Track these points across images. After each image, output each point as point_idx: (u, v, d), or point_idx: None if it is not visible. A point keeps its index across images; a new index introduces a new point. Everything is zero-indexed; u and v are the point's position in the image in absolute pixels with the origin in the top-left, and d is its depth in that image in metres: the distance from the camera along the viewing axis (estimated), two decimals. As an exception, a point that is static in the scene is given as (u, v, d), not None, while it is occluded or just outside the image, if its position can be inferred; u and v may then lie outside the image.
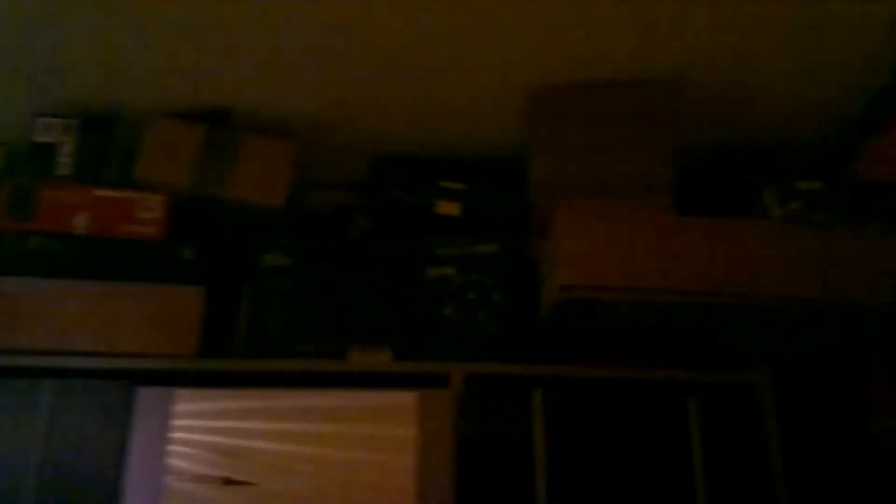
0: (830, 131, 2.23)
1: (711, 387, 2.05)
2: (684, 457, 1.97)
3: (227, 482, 1.85)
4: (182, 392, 1.91)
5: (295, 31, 1.92)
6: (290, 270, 2.09)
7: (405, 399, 1.93)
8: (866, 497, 2.09)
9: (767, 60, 2.02)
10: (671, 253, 1.97)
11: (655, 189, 2.08)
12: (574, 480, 1.93)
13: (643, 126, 2.10)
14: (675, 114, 2.10)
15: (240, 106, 2.17)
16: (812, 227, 2.00)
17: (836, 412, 2.16)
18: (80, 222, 2.04)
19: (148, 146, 2.08)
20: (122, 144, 2.14)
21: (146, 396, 1.91)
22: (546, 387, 2.00)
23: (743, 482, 1.98)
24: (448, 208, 2.19)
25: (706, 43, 1.96)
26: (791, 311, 1.99)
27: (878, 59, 2.00)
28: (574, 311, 2.00)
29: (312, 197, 2.36)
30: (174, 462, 1.87)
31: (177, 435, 1.88)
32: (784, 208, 2.00)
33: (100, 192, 2.06)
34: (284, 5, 1.84)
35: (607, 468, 1.95)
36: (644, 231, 1.99)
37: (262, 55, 1.99)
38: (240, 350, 2.06)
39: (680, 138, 2.09)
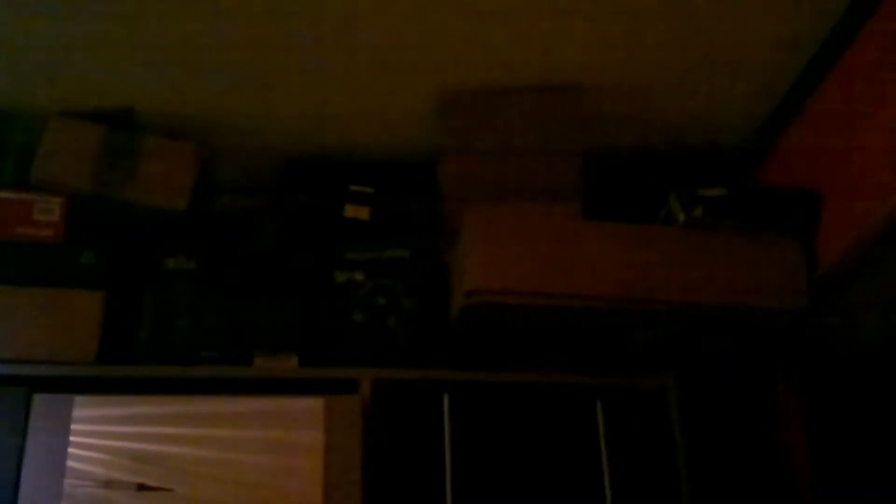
0: (739, 137, 2.28)
1: (619, 390, 2.07)
2: (593, 460, 1.99)
3: (141, 488, 1.80)
4: (81, 399, 1.85)
5: (200, 29, 1.88)
6: (194, 274, 2.05)
7: (312, 405, 1.90)
8: (769, 499, 2.14)
9: (675, 65, 2.05)
10: (578, 257, 1.99)
11: (564, 194, 2.10)
12: (483, 485, 1.93)
13: (551, 131, 2.12)
14: (583, 119, 2.12)
15: (143, 107, 2.12)
16: (715, 233, 2.04)
17: (743, 415, 2.20)
18: (-26, 224, 1.97)
19: (46, 146, 2.02)
20: (19, 144, 2.07)
21: (43, 403, 1.85)
22: (455, 392, 2.00)
23: (650, 484, 2.00)
24: (357, 212, 2.17)
25: (612, 48, 1.98)
26: (696, 315, 2.03)
27: (784, 63, 2.04)
28: (481, 316, 2.00)
29: (221, 201, 2.32)
30: (82, 467, 1.81)
31: (81, 440, 1.82)
32: (688, 215, 2.04)
33: (-6, 194, 1.99)
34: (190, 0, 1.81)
35: (517, 472, 1.96)
36: (551, 236, 2.01)
37: (165, 54, 1.95)
38: (142, 356, 2.00)
39: (588, 143, 2.11)
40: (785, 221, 2.04)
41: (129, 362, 1.99)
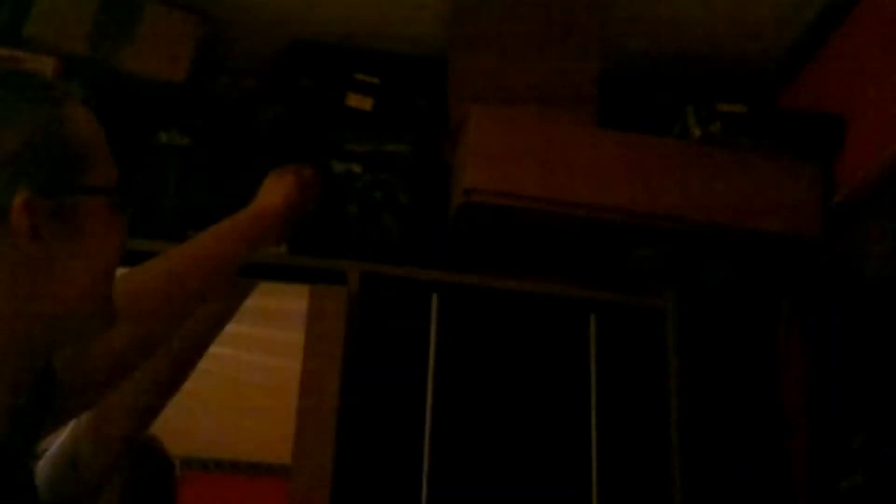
0: (765, 56, 2.18)
1: (615, 306, 2.01)
2: (580, 375, 1.93)
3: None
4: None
5: None
6: (186, 150, 1.98)
7: (297, 292, 1.84)
8: (759, 430, 2.08)
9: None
10: (584, 166, 1.92)
11: (576, 100, 2.02)
12: (465, 389, 1.88)
13: (569, 34, 2.03)
14: (603, 23, 2.03)
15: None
16: (730, 150, 1.95)
17: (741, 345, 2.13)
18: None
19: (41, 3, 1.94)
20: (12, 2, 1.98)
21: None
22: (445, 293, 1.94)
23: (637, 405, 1.95)
24: (360, 102, 2.09)
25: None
26: (702, 236, 1.96)
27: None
28: (479, 218, 1.93)
29: (221, 82, 2.23)
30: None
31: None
32: (704, 129, 1.95)
33: (-16, 50, 1.91)
34: None
35: (500, 380, 1.90)
36: (559, 141, 1.93)
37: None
38: (128, 230, 1.94)
39: (606, 49, 2.02)
40: (805, 145, 1.96)
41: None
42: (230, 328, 1.84)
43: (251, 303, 1.84)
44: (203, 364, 1.78)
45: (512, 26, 2.04)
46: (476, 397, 1.89)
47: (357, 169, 2.03)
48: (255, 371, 1.83)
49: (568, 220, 1.92)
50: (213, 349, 1.80)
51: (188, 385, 1.77)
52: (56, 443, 1.12)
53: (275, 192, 1.24)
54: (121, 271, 0.88)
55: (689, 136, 1.97)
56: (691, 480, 1.93)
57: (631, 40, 2.13)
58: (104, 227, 0.83)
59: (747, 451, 2.00)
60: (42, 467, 1.10)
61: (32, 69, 1.90)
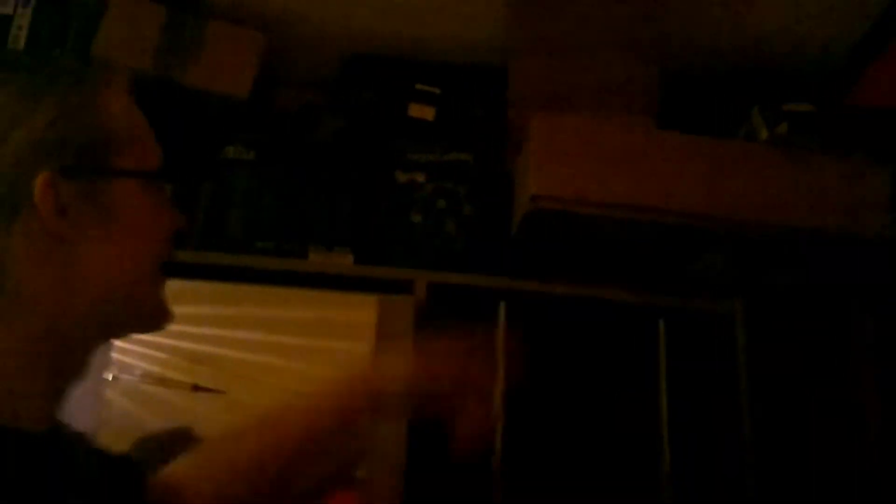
0: (832, 54, 2.14)
1: (684, 311, 1.99)
2: (650, 380, 1.92)
3: (196, 388, 1.78)
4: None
5: None
6: (253, 165, 2.00)
7: (366, 302, 1.85)
8: (836, 436, 2.04)
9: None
10: (650, 170, 1.89)
11: (638, 105, 2.00)
12: (533, 397, 1.87)
13: (628, 37, 2.02)
14: (663, 24, 2.01)
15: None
16: (798, 151, 1.92)
17: (812, 350, 2.09)
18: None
19: (108, 24, 1.97)
20: (81, 21, 2.02)
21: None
22: (512, 300, 1.93)
23: (709, 409, 1.93)
24: (421, 112, 2.09)
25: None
26: (770, 240, 1.93)
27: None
28: (545, 224, 1.91)
29: (282, 95, 2.25)
30: (136, 363, 1.79)
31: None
32: (771, 131, 1.92)
33: (55, 70, 1.94)
34: None
35: (570, 385, 1.89)
36: (623, 145, 1.91)
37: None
38: (197, 243, 1.96)
39: (668, 52, 2.01)
40: (875, 144, 1.92)
41: (183, 249, 1.95)
42: (297, 341, 1.87)
43: (318, 315, 1.87)
44: (273, 378, 1.81)
45: (570, 31, 2.04)
46: (545, 404, 1.88)
47: (420, 178, 2.03)
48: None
49: (634, 224, 1.90)
50: (282, 363, 1.82)
51: (259, 399, 1.79)
52: None
53: (400, 365, 1.02)
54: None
55: (756, 138, 1.94)
56: (765, 485, 1.90)
57: (692, 41, 2.11)
58: (139, 212, 0.81)
59: (822, 455, 1.96)
60: None
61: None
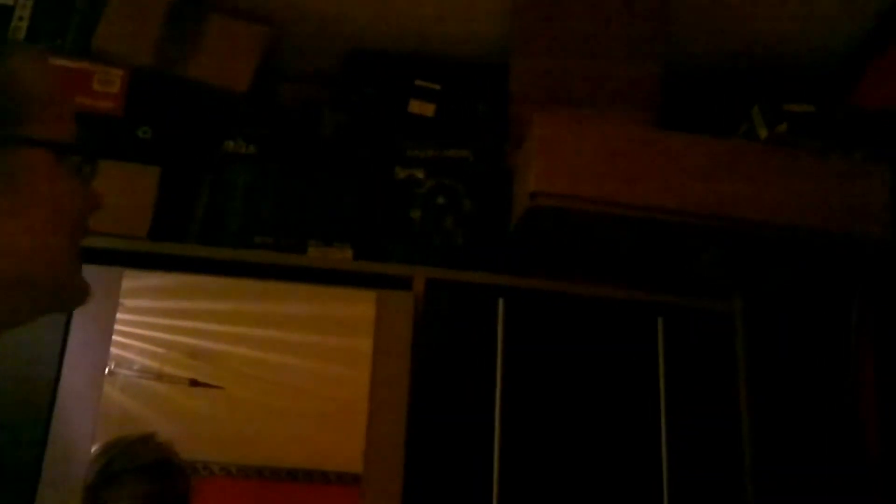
0: (832, 54, 2.14)
1: (683, 310, 1.99)
2: (648, 378, 1.92)
3: (194, 383, 1.78)
4: (131, 272, 1.81)
5: None
6: (253, 159, 1.99)
7: (365, 297, 1.85)
8: (832, 436, 2.04)
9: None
10: (650, 168, 1.89)
11: (639, 102, 2.00)
12: (533, 393, 1.87)
13: (630, 35, 2.01)
14: (665, 23, 2.01)
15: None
16: (798, 151, 1.92)
17: (811, 350, 2.09)
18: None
19: (109, 16, 1.97)
20: (82, 13, 2.02)
21: (92, 274, 1.81)
22: (511, 297, 1.93)
23: (707, 407, 1.93)
24: (422, 108, 2.09)
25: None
26: (770, 239, 1.93)
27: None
28: (544, 221, 1.91)
29: (283, 90, 2.25)
30: (134, 357, 1.78)
31: (129, 317, 1.78)
32: (770, 130, 1.92)
33: (56, 62, 1.94)
34: None
35: (568, 383, 1.89)
36: (623, 143, 1.91)
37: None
38: (196, 237, 1.96)
39: (669, 50, 2.00)
40: (875, 144, 1.92)
41: (182, 242, 1.95)
42: (296, 336, 1.87)
43: (317, 310, 1.87)
44: (271, 374, 1.81)
45: (572, 29, 2.03)
46: (544, 401, 1.88)
47: (420, 174, 2.03)
48: (323, 378, 1.83)
49: (634, 222, 1.90)
50: (281, 358, 1.83)
51: (257, 395, 1.80)
52: None
53: None
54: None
55: (756, 137, 1.95)
56: (763, 484, 1.90)
57: (693, 40, 2.11)
58: (48, 184, 0.75)
59: (820, 454, 1.96)
60: None
61: (101, 81, 1.93)
